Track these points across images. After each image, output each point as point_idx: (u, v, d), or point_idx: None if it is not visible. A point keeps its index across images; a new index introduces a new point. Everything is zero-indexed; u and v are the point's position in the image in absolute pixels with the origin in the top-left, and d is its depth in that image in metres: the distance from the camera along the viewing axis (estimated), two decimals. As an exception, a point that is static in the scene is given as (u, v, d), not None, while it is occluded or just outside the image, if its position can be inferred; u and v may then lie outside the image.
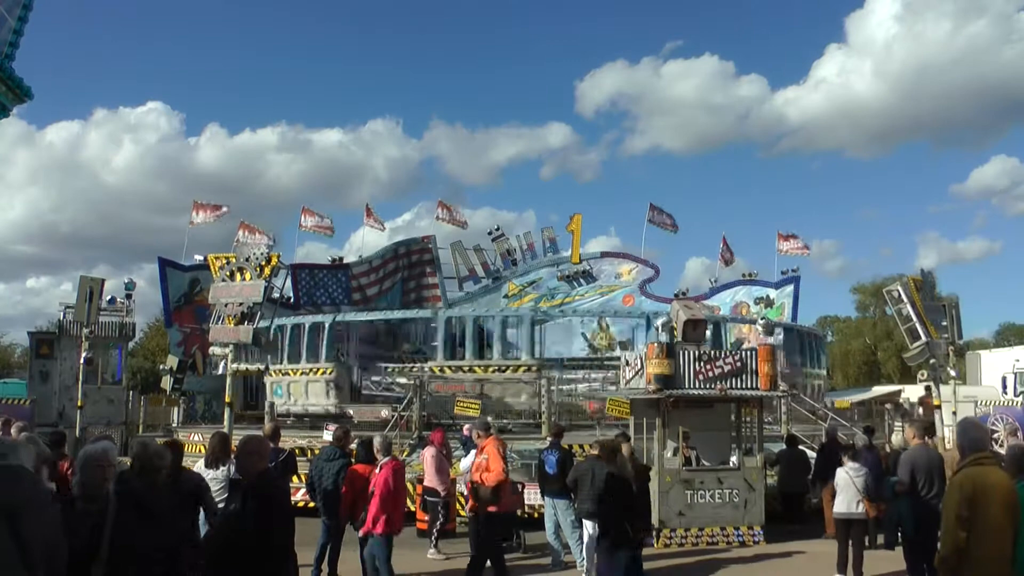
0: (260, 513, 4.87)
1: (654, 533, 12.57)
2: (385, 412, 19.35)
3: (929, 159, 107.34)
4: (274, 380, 23.93)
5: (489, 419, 18.06)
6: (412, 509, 14.09)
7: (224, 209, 31.20)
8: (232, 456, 7.88)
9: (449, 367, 22.25)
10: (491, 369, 22.15)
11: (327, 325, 23.58)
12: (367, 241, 35.93)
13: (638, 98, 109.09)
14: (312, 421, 21.55)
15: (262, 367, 23.97)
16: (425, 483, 12.86)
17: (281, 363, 23.86)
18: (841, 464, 12.28)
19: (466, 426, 13.70)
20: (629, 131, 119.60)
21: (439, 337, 23.49)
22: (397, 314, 28.81)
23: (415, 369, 23.07)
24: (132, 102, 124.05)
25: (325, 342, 23.16)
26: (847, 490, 10.96)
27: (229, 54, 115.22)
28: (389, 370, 24.00)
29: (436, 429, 14.16)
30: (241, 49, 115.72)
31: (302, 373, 23.38)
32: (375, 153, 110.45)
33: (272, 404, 21.74)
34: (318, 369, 23.02)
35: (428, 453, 12.93)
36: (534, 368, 21.77)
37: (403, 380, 22.30)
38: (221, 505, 7.07)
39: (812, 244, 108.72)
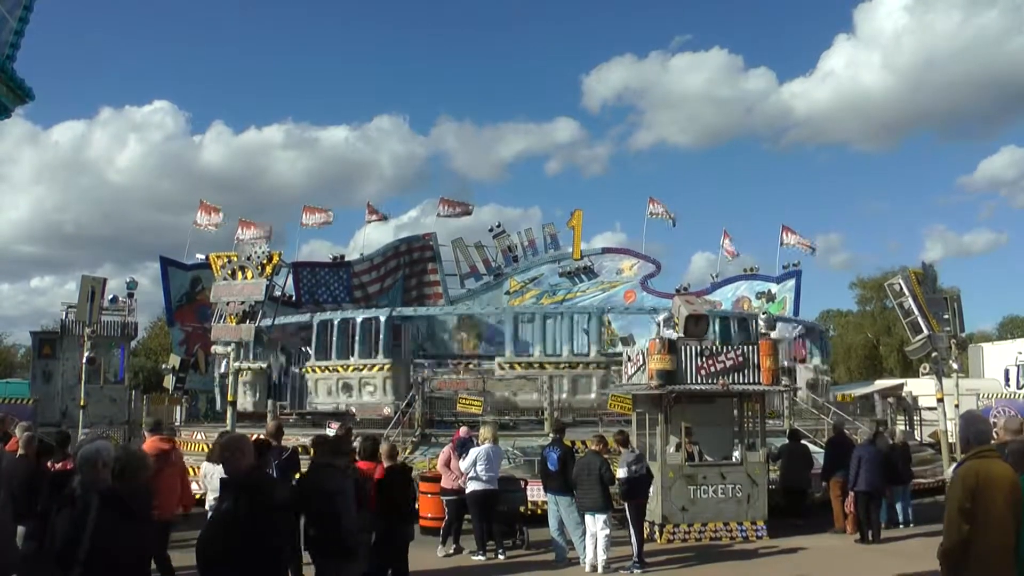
0: (253, 510, 4.87)
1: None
2: (388, 409, 19.37)
3: (936, 151, 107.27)
4: (318, 377, 23.60)
5: (493, 416, 18.16)
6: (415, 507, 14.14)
7: (221, 216, 31.15)
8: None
9: (518, 363, 22.22)
10: (561, 365, 22.11)
11: (383, 320, 23.24)
12: (372, 238, 35.91)
13: (645, 92, 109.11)
14: (315, 419, 21.53)
15: (264, 364, 23.98)
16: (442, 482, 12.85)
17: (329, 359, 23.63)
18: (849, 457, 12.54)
19: (463, 428, 13.70)
20: (635, 126, 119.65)
21: (506, 334, 23.37)
22: (465, 309, 28.74)
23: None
24: (138, 101, 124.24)
25: (381, 338, 22.77)
26: None
27: (236, 52, 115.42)
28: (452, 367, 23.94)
29: (457, 428, 14.16)
30: (248, 47, 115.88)
31: (354, 369, 23.02)
32: (381, 150, 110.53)
33: (275, 402, 21.76)
34: (375, 365, 22.60)
35: (445, 452, 13.00)
36: (602, 365, 21.81)
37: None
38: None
39: (817, 238, 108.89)
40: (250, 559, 4.79)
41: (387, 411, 19.31)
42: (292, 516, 6.17)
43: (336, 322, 23.56)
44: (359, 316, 23.77)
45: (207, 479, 10.29)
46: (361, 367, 22.59)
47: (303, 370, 24.39)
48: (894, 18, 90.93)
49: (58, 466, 9.02)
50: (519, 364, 22.10)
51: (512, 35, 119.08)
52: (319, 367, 23.28)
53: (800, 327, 28.84)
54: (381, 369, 22.30)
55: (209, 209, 31.17)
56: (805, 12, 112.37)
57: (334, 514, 6.50)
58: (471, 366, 24.07)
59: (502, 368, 22.05)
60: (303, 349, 26.44)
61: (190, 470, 16.62)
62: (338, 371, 23.00)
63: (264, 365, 23.79)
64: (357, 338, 22.89)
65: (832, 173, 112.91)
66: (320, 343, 23.47)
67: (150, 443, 9.64)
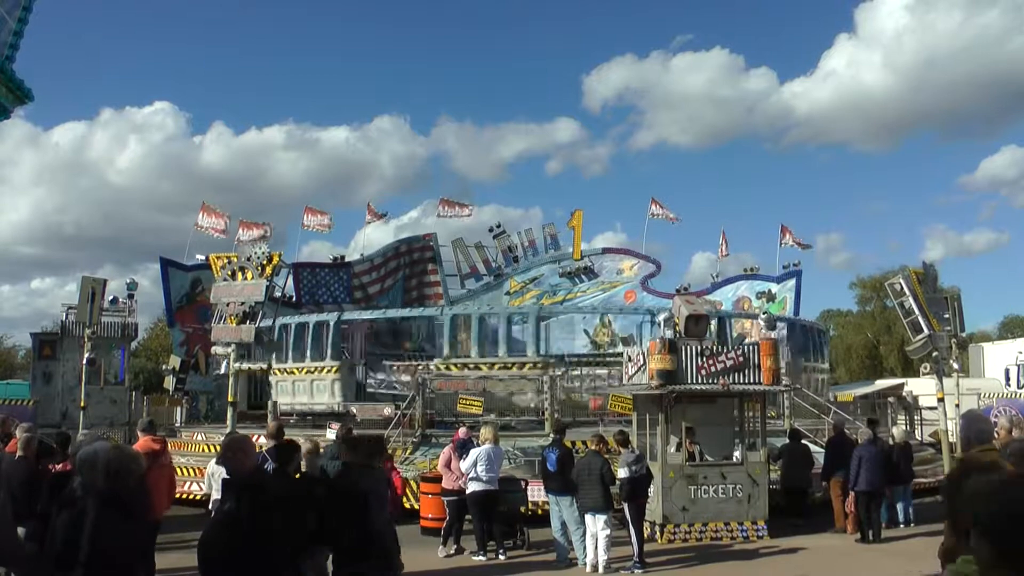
0: (255, 511, 4.87)
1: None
2: (388, 410, 19.36)
3: (937, 151, 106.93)
4: (279, 379, 23.95)
5: (493, 416, 18.18)
6: (416, 507, 14.13)
7: (224, 220, 30.86)
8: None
9: (455, 364, 22.30)
10: (496, 366, 22.19)
11: (332, 323, 23.65)
12: (372, 239, 35.94)
13: (645, 92, 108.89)
14: (315, 419, 21.57)
15: (264, 366, 24.01)
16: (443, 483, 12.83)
17: (286, 362, 23.91)
18: (849, 456, 12.47)
19: (462, 429, 13.70)
20: (636, 126, 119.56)
21: (444, 335, 23.50)
22: (402, 312, 28.86)
23: (419, 367, 23.18)
24: (139, 102, 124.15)
25: (330, 341, 23.23)
26: None
27: (236, 52, 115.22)
28: (394, 368, 24.06)
29: (457, 429, 14.16)
30: (248, 47, 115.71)
31: (307, 372, 23.45)
32: (382, 150, 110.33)
33: (275, 403, 21.77)
34: (323, 368, 23.09)
35: (446, 452, 12.99)
36: (539, 365, 21.85)
37: (406, 378, 22.39)
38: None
39: (818, 237, 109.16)
40: (251, 560, 4.78)
41: (387, 411, 19.31)
42: (296, 517, 6.11)
43: (293, 326, 24.04)
44: (312, 319, 24.30)
45: (214, 479, 10.31)
46: (313, 369, 23.14)
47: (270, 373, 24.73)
48: (895, 17, 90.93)
49: (58, 467, 9.01)
50: (455, 365, 22.26)
51: (512, 35, 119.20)
52: (278, 369, 23.71)
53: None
54: (330, 371, 22.73)
55: (212, 212, 30.94)
56: (806, 12, 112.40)
57: (368, 516, 6.39)
58: (418, 366, 24.20)
59: (438, 368, 22.22)
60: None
61: (194, 471, 16.75)
62: (293, 373, 23.53)
63: (264, 366, 23.83)
64: (309, 341, 23.40)
65: (833, 173, 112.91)
66: (281, 346, 23.97)
67: (142, 443, 9.70)
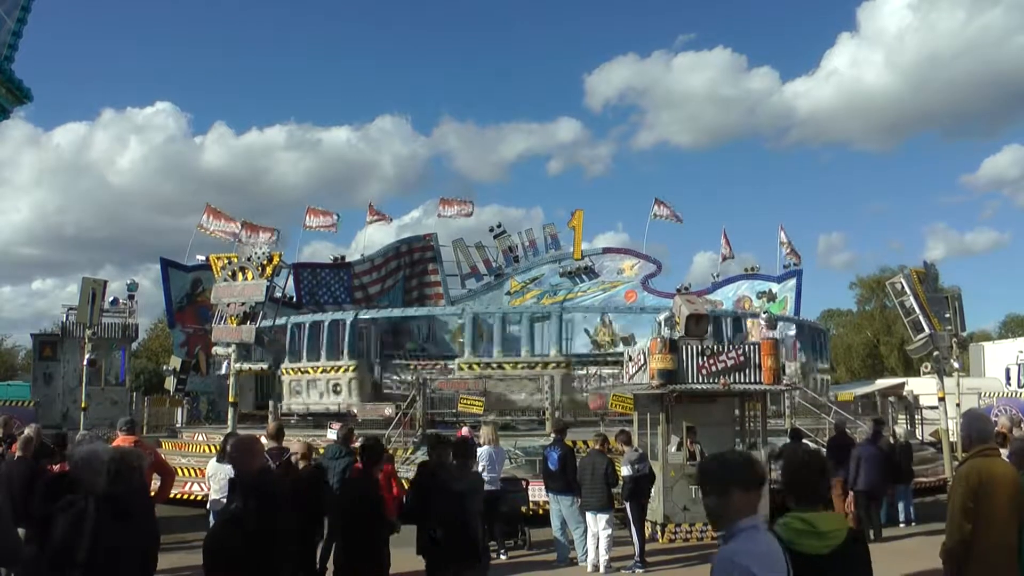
0: (261, 511, 4.86)
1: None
2: (389, 410, 19.35)
3: (939, 150, 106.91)
4: (292, 379, 23.82)
5: (493, 416, 18.18)
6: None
7: (236, 226, 30.48)
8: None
9: (476, 364, 22.21)
10: (520, 366, 22.10)
11: (348, 323, 23.50)
12: (374, 239, 35.91)
13: (647, 92, 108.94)
14: (316, 420, 21.56)
15: (265, 366, 23.98)
16: None
17: (300, 361, 23.79)
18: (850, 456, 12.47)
19: (464, 429, 13.69)
20: (638, 125, 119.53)
21: (465, 335, 23.48)
22: (420, 311, 28.83)
23: (439, 367, 23.20)
24: (140, 102, 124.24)
25: (346, 340, 23.09)
26: None
27: (238, 53, 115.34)
28: (410, 367, 24.05)
29: (459, 429, 14.17)
30: (250, 48, 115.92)
31: (323, 371, 23.30)
32: (384, 150, 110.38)
33: (276, 404, 21.77)
34: (340, 367, 22.91)
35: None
36: (563, 364, 21.83)
37: (408, 378, 22.40)
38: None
39: (819, 237, 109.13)
40: (257, 560, 4.78)
41: (388, 411, 19.30)
42: (297, 517, 6.09)
43: (306, 325, 23.87)
44: (327, 319, 24.14)
45: (213, 479, 10.31)
46: (329, 369, 22.97)
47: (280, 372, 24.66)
48: (897, 16, 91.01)
49: (56, 468, 9.00)
50: (477, 365, 22.22)
51: (514, 35, 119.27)
52: (291, 369, 23.57)
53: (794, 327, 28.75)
54: (347, 371, 22.58)
55: (220, 215, 30.59)
56: (808, 11, 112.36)
57: (464, 516, 6.32)
58: (437, 366, 24.19)
59: (461, 368, 22.23)
60: None
61: (195, 471, 16.75)
62: (308, 372, 23.36)
63: (265, 366, 23.82)
64: (324, 340, 23.23)
65: (834, 172, 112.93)
66: (293, 346, 23.83)
67: (116, 443, 9.68)
